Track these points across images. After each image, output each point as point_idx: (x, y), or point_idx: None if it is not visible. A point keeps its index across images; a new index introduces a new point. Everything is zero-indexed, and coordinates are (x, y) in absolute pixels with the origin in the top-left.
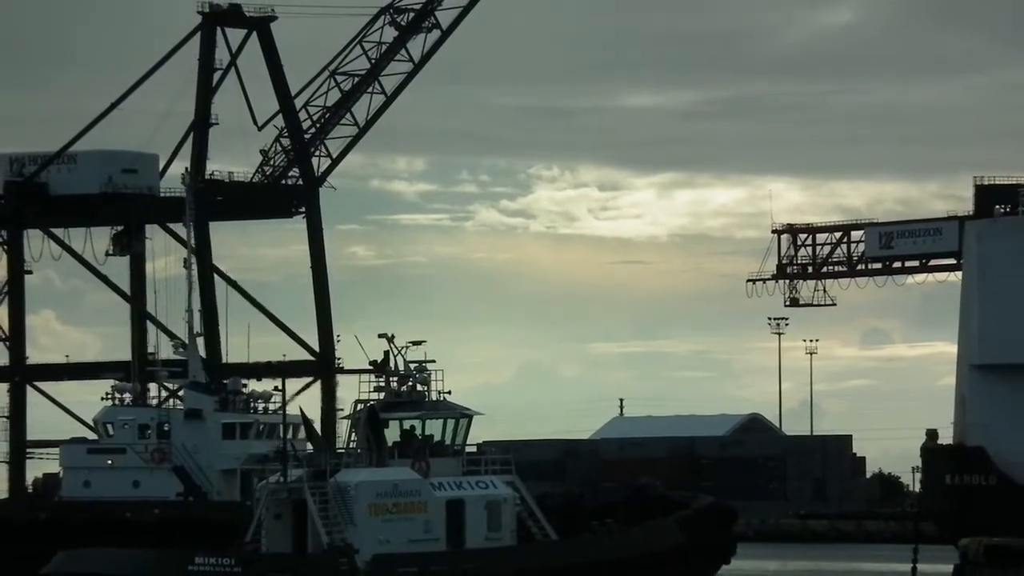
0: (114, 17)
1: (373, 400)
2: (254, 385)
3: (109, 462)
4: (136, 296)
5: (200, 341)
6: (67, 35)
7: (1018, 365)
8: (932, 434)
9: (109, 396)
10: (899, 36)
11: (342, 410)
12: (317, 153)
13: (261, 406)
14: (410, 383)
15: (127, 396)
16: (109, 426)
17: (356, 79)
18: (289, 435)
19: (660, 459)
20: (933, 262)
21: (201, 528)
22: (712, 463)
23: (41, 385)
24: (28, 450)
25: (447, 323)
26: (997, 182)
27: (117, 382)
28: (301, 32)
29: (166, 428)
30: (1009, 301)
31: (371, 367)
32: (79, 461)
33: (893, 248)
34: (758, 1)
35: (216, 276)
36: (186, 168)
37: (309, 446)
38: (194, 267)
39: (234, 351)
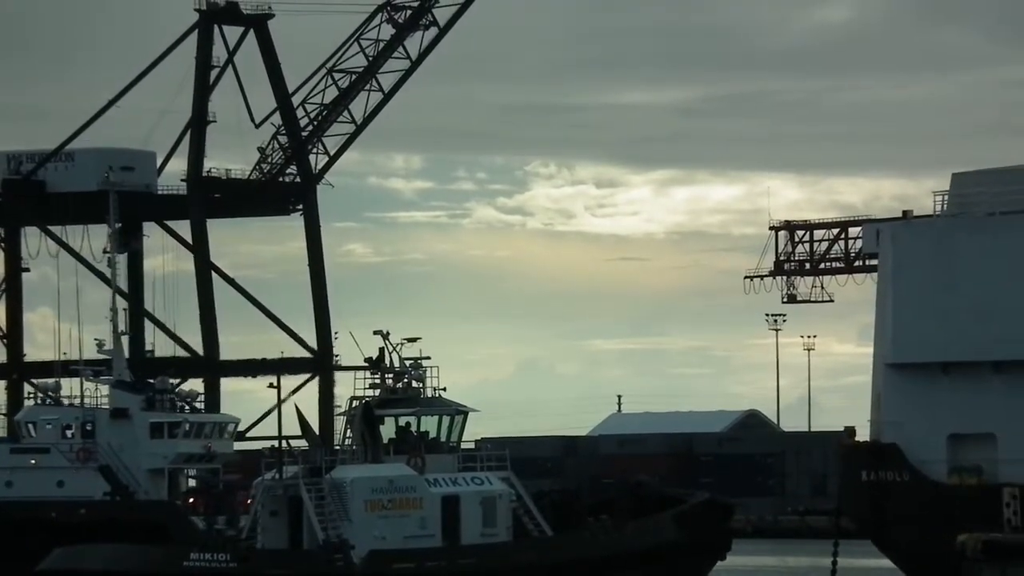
0: (112, 15)
1: (368, 397)
2: (251, 382)
3: (32, 462)
4: (134, 294)
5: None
6: (65, 33)
7: (930, 364)
8: (850, 431)
9: (32, 395)
10: (896, 33)
11: (340, 407)
12: (314, 150)
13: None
14: (405, 380)
15: (51, 395)
16: (31, 426)
17: (353, 76)
18: (215, 434)
19: (658, 455)
20: None
21: (129, 528)
22: (710, 459)
23: (39, 382)
24: None
25: (444, 320)
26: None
27: (40, 381)
28: (298, 30)
29: (89, 428)
30: (921, 302)
31: (366, 364)
32: (1, 461)
33: None
34: None
35: (214, 273)
36: (109, 167)
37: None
38: (119, 265)
39: (231, 348)
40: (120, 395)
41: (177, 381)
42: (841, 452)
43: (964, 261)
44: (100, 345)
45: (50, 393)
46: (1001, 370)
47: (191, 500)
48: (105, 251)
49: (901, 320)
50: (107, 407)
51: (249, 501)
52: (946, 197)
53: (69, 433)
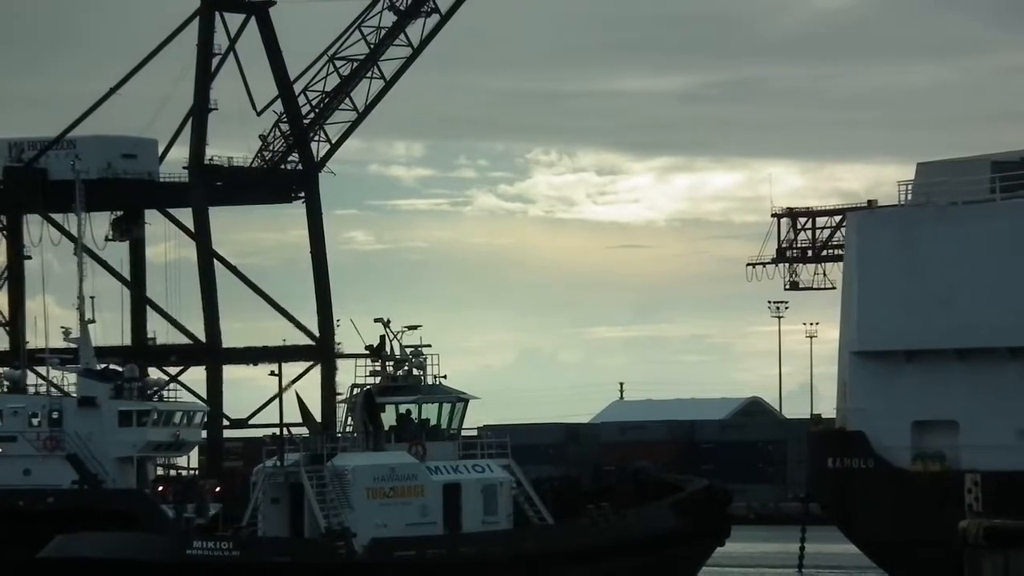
0: (113, 2)
1: (369, 384)
2: (252, 370)
3: None
4: (136, 281)
5: (91, 328)
6: (66, 20)
7: (894, 352)
8: (817, 419)
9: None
10: (896, 19)
11: (341, 394)
12: (316, 138)
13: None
14: (406, 367)
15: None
16: None
17: (355, 64)
18: (184, 422)
19: (660, 443)
20: None
21: (97, 516)
22: (712, 447)
23: (40, 370)
24: None
25: (446, 308)
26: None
27: (5, 370)
28: (300, 17)
29: (56, 416)
30: (886, 290)
31: (367, 352)
32: None
33: None
34: None
35: (216, 261)
36: (76, 156)
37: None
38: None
39: (234, 335)
40: (88, 383)
41: (178, 369)
42: (808, 439)
43: (927, 250)
44: (66, 333)
45: (9, 382)
46: (963, 358)
47: (160, 488)
48: (107, 238)
49: (866, 308)
50: (75, 395)
51: (218, 489)
52: (910, 187)
53: (36, 421)
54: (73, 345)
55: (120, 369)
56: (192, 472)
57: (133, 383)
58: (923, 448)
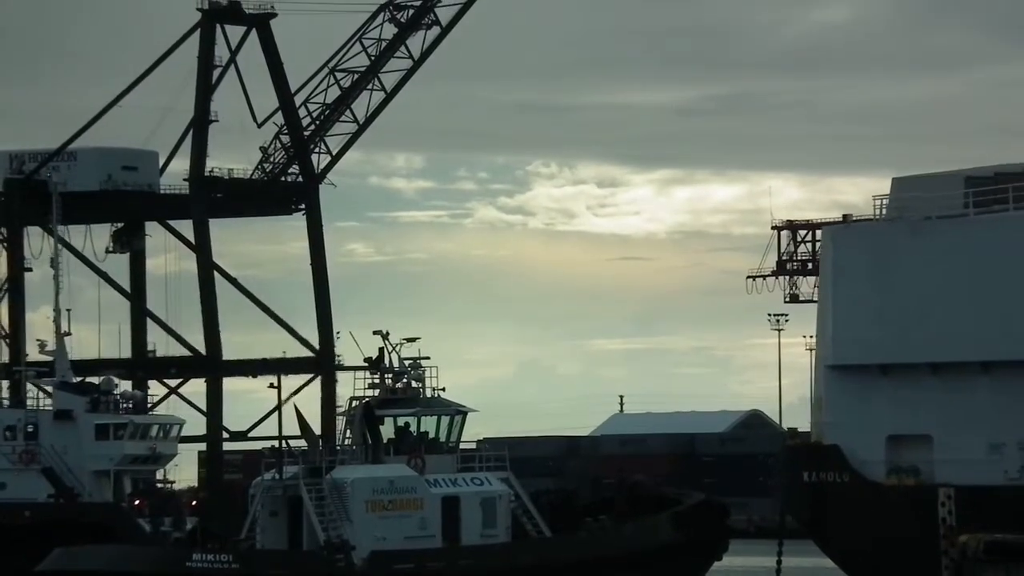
0: (114, 14)
1: (368, 397)
2: (252, 382)
3: None
4: (136, 293)
5: (69, 340)
6: (67, 32)
7: (869, 366)
8: (793, 432)
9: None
10: (896, 32)
11: (341, 407)
12: (317, 150)
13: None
14: (405, 380)
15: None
16: None
17: (356, 76)
18: (160, 435)
19: (660, 456)
20: None
21: (74, 529)
22: (712, 460)
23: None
24: None
25: (446, 320)
26: None
27: None
28: (301, 29)
29: (31, 429)
30: (861, 304)
31: (367, 364)
32: None
33: None
34: None
35: (216, 273)
36: (54, 168)
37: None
38: (61, 266)
39: (234, 348)
40: (64, 396)
41: (178, 381)
42: (784, 453)
43: (901, 264)
44: (42, 346)
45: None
46: (937, 372)
47: (136, 502)
48: (108, 250)
49: (840, 323)
50: (51, 408)
51: (194, 503)
52: (885, 201)
53: (11, 435)
54: (49, 358)
55: (96, 382)
56: (170, 485)
57: (109, 396)
58: (898, 462)
